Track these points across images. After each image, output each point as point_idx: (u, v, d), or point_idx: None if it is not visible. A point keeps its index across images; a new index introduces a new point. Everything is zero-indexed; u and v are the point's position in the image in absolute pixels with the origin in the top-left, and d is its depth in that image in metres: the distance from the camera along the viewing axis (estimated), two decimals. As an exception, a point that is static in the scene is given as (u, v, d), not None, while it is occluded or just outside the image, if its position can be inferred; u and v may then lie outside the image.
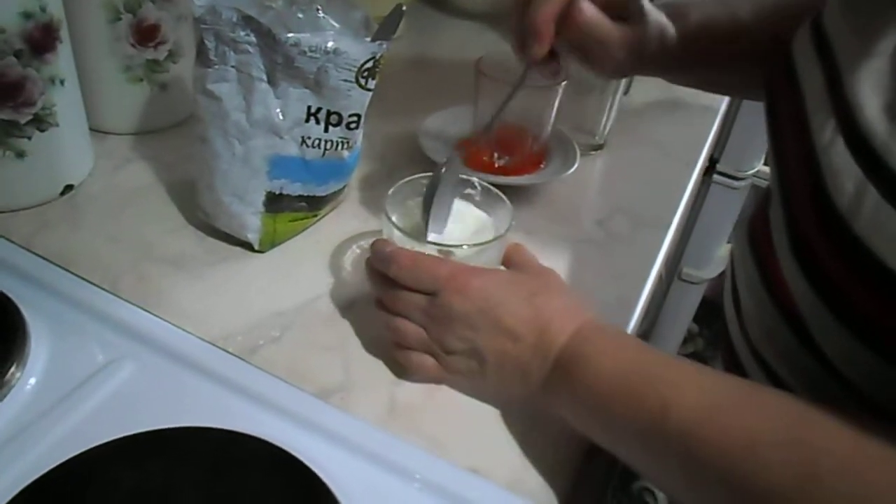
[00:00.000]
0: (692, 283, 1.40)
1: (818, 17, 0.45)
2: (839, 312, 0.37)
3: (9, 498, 0.40)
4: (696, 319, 1.59)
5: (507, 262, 0.55)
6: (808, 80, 0.43)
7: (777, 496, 0.34)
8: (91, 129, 0.70)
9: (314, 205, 0.61)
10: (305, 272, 0.60)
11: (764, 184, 1.30)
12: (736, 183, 1.25)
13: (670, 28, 0.59)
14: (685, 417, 0.38)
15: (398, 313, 0.50)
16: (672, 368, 0.42)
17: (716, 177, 1.25)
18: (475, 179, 0.58)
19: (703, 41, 0.60)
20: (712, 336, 1.65)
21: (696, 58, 0.62)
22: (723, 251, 1.38)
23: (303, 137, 0.57)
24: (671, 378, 0.41)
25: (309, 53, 0.53)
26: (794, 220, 0.41)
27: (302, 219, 0.62)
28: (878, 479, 0.32)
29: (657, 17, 0.58)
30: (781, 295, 0.44)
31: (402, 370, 0.51)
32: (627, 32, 0.58)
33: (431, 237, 0.54)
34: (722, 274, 1.42)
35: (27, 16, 0.56)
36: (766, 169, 1.28)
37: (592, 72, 0.63)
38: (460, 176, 0.58)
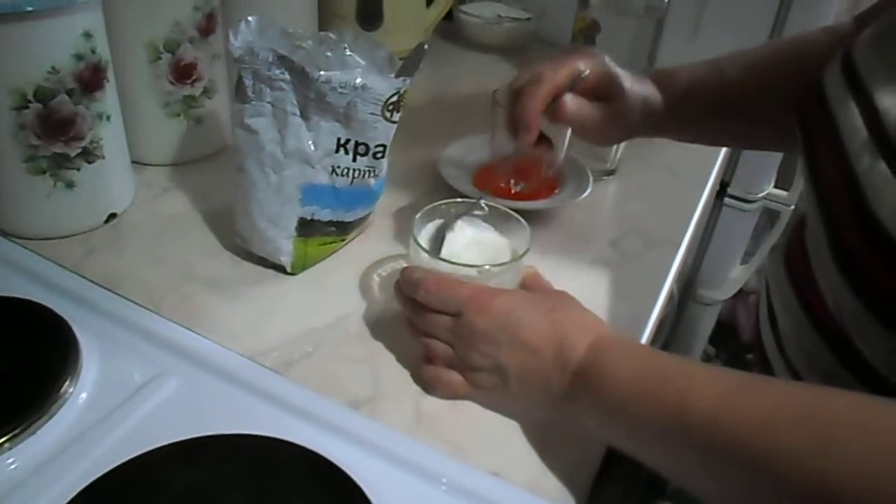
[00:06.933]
0: (707, 304, 1.42)
1: (847, 58, 0.49)
2: (886, 318, 0.39)
3: (67, 500, 0.42)
4: (712, 342, 1.60)
5: (524, 287, 0.58)
6: (841, 113, 0.46)
7: (795, 471, 0.35)
8: (132, 161, 0.73)
9: (343, 229, 0.64)
10: (335, 292, 0.63)
11: (775, 206, 1.32)
12: (747, 206, 1.27)
13: (654, 96, 0.66)
14: (703, 406, 0.39)
15: (428, 334, 0.53)
16: (686, 366, 0.43)
17: (727, 200, 1.27)
18: (482, 201, 0.61)
19: (691, 101, 0.66)
20: (728, 358, 1.66)
21: (688, 116, 0.68)
22: (736, 273, 1.40)
23: (333, 167, 0.60)
24: (686, 373, 0.43)
25: (339, 89, 0.56)
26: (838, 238, 0.44)
27: (331, 243, 0.65)
28: (891, 440, 0.33)
29: (638, 90, 0.65)
30: (821, 316, 0.46)
31: (428, 385, 0.53)
32: (609, 110, 0.65)
33: (455, 258, 0.57)
34: (736, 297, 1.44)
35: (79, 57, 0.60)
36: (777, 192, 1.31)
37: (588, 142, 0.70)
38: (474, 201, 0.61)
